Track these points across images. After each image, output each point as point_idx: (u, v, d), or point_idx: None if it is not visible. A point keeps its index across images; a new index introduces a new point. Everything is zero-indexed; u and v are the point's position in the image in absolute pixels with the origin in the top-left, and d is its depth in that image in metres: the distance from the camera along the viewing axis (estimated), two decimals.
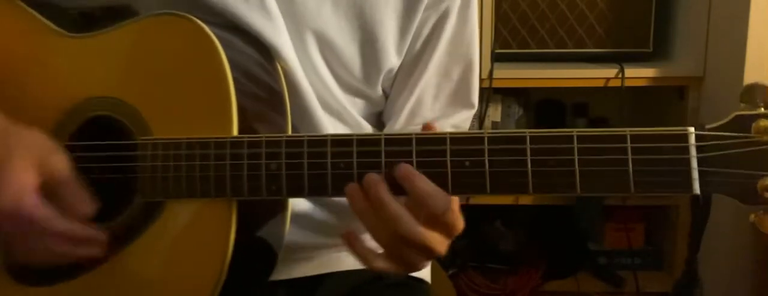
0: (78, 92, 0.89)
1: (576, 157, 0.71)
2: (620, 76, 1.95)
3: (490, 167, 0.73)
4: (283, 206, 0.86)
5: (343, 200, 0.77)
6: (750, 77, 1.72)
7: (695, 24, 1.95)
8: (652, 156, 0.70)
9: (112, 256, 0.85)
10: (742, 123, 0.68)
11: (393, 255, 0.78)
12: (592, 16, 2.01)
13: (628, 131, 0.70)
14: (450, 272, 2.14)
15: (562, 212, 2.22)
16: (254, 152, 0.79)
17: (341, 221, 0.97)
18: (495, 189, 0.73)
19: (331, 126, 0.96)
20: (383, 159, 0.76)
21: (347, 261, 1.02)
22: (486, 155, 0.73)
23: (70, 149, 0.86)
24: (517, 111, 2.19)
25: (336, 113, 0.99)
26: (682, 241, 2.07)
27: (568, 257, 2.21)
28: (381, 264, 0.79)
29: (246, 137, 0.79)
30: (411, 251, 0.77)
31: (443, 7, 0.98)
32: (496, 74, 1.97)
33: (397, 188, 0.75)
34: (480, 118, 2.07)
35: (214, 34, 0.82)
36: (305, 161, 0.78)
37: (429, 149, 0.75)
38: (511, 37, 2.03)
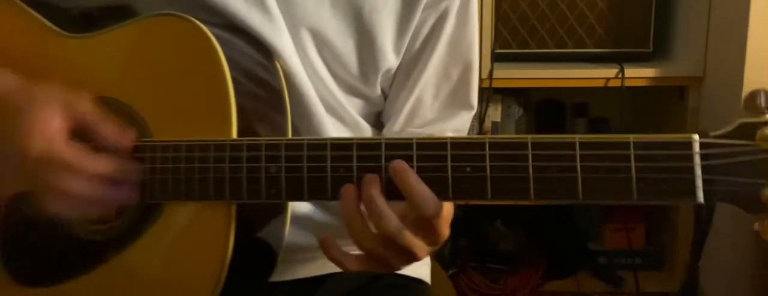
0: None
1: (578, 164, 0.71)
2: (620, 76, 1.95)
3: (491, 172, 0.73)
4: (283, 208, 0.86)
5: None
6: (750, 77, 1.72)
7: (695, 24, 1.94)
8: (656, 164, 0.69)
9: (111, 258, 0.85)
10: (747, 131, 0.67)
11: (371, 257, 0.78)
12: (592, 16, 2.01)
13: (631, 137, 0.70)
14: (450, 272, 2.14)
15: (562, 213, 2.22)
16: (254, 156, 0.79)
17: (341, 222, 0.97)
18: (496, 195, 0.73)
19: (330, 125, 0.96)
20: (383, 164, 0.76)
21: None
22: (487, 160, 0.73)
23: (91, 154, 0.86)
24: (517, 111, 2.19)
25: (335, 112, 0.99)
26: (682, 241, 2.08)
27: (568, 257, 2.21)
28: (356, 266, 0.80)
29: (245, 140, 0.79)
30: (390, 253, 0.77)
31: (442, 7, 0.98)
32: (496, 74, 1.97)
33: (391, 193, 0.75)
34: (480, 118, 2.07)
35: (214, 34, 0.82)
36: (305, 164, 0.78)
37: (429, 154, 0.75)
38: (511, 37, 2.02)
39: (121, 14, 0.89)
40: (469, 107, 1.06)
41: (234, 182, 0.79)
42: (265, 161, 0.79)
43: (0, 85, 0.82)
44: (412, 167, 0.75)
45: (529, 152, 0.72)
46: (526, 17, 2.02)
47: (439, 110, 1.04)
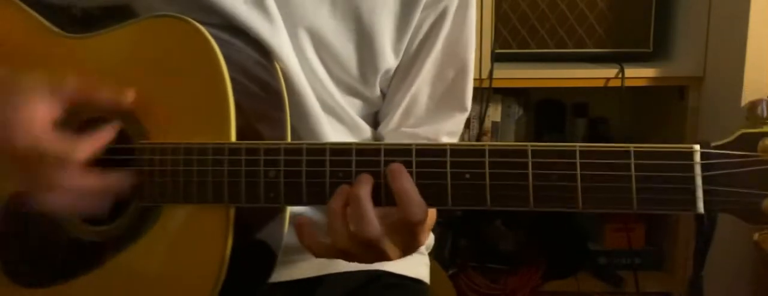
0: None
1: (578, 172, 0.71)
2: (620, 76, 1.95)
3: (490, 180, 0.73)
4: (282, 209, 0.86)
5: None
6: (750, 77, 1.72)
7: (695, 24, 1.94)
8: (657, 173, 0.69)
9: (110, 259, 0.85)
10: (748, 141, 0.67)
11: (341, 252, 0.79)
12: (592, 16, 2.00)
13: (632, 147, 0.70)
14: (450, 272, 2.14)
15: (562, 213, 2.21)
16: (252, 160, 0.79)
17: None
18: (495, 202, 0.73)
19: (328, 126, 0.96)
20: (382, 169, 0.76)
21: (346, 263, 1.02)
22: (486, 167, 0.73)
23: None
24: (517, 111, 2.18)
25: (334, 112, 0.99)
26: (682, 241, 2.08)
27: (568, 257, 2.20)
28: (324, 255, 0.81)
29: (244, 144, 0.79)
30: (362, 253, 0.78)
31: (441, 6, 0.98)
32: (496, 74, 1.97)
33: (388, 198, 0.76)
34: (480, 118, 2.07)
35: (212, 35, 0.82)
36: (303, 169, 0.78)
37: (429, 161, 0.75)
38: (511, 37, 2.02)
39: (120, 15, 0.89)
40: (463, 108, 1.06)
41: (232, 187, 0.80)
42: (264, 166, 0.79)
43: None
44: (411, 173, 0.75)
45: (529, 160, 0.72)
46: (526, 17, 2.01)
47: (434, 109, 1.04)
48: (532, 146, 0.72)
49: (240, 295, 0.86)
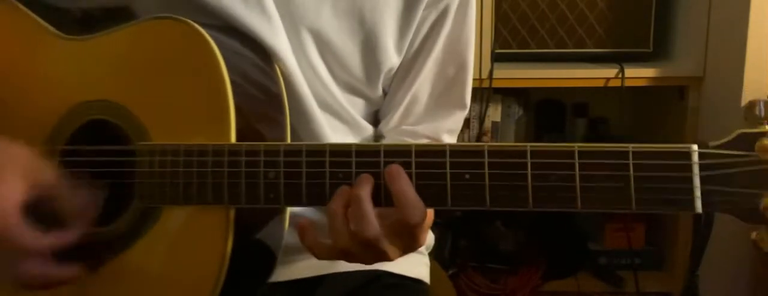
0: (74, 95, 0.89)
1: (577, 172, 0.71)
2: (620, 76, 1.95)
3: (489, 180, 0.73)
4: (281, 209, 0.86)
5: None
6: (750, 77, 1.72)
7: (695, 24, 1.94)
8: (655, 173, 0.69)
9: (110, 260, 0.86)
10: (746, 141, 0.67)
11: (342, 253, 0.79)
12: (592, 16, 2.00)
13: (630, 147, 0.70)
14: (450, 272, 2.14)
15: (562, 213, 2.21)
16: (252, 161, 0.79)
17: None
18: (495, 203, 0.73)
19: (327, 126, 0.97)
20: (382, 170, 0.76)
21: (346, 263, 1.02)
22: (486, 168, 0.73)
23: (67, 153, 0.86)
24: (517, 111, 2.18)
25: (334, 112, 0.99)
26: (682, 241, 2.07)
27: (568, 257, 2.20)
28: (325, 256, 0.81)
29: (244, 145, 0.79)
30: (362, 253, 0.78)
31: (442, 5, 0.99)
32: (496, 73, 1.97)
33: (387, 199, 0.76)
34: (480, 118, 2.07)
35: (212, 36, 0.82)
36: (303, 170, 0.78)
37: (428, 161, 0.75)
38: (511, 37, 2.02)
39: (120, 16, 0.89)
40: (463, 106, 1.07)
41: (232, 188, 0.80)
42: (264, 167, 0.79)
43: None
44: (411, 173, 0.75)
45: (529, 161, 0.72)
46: (526, 17, 2.01)
47: (434, 107, 1.05)
48: (531, 146, 0.72)
49: (240, 295, 0.86)
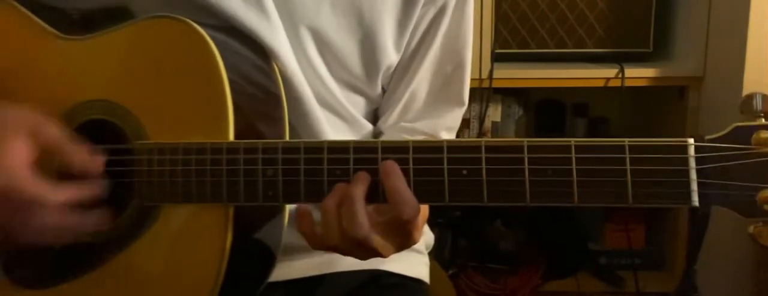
0: (73, 95, 0.89)
1: (574, 167, 0.71)
2: (620, 76, 1.95)
3: (487, 176, 0.73)
4: (280, 208, 0.86)
5: None
6: (750, 77, 1.72)
7: (695, 24, 1.94)
8: (651, 167, 0.69)
9: (110, 259, 0.86)
10: (742, 134, 0.67)
11: (334, 247, 0.79)
12: (592, 16, 2.00)
13: (626, 141, 0.70)
14: (450, 272, 2.14)
15: (562, 213, 2.22)
16: (251, 158, 0.79)
17: None
18: (492, 198, 0.73)
19: (327, 123, 0.97)
20: (379, 167, 0.76)
21: (346, 262, 1.02)
22: (483, 163, 0.73)
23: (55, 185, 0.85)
24: (517, 111, 2.19)
25: (334, 110, 0.99)
26: (682, 241, 2.07)
27: (568, 257, 2.20)
28: (318, 247, 0.81)
29: (242, 143, 0.79)
30: (353, 250, 0.79)
31: (441, 2, 0.99)
32: (496, 73, 1.97)
33: (380, 195, 0.76)
34: (480, 118, 2.07)
35: (210, 36, 0.82)
36: (302, 167, 0.78)
37: (426, 157, 0.75)
38: (511, 37, 2.02)
39: (118, 16, 0.89)
40: (461, 103, 1.07)
41: (231, 186, 0.80)
42: (262, 164, 0.79)
43: None
44: (408, 170, 0.75)
45: (526, 156, 0.72)
46: (526, 17, 2.01)
47: (432, 104, 1.05)
48: (528, 141, 0.72)
49: (240, 294, 0.86)
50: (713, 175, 0.68)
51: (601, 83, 1.97)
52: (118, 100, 0.86)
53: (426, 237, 1.14)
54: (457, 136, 1.19)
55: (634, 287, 2.10)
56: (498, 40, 2.02)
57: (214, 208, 0.81)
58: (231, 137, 0.80)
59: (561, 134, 2.31)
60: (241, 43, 0.87)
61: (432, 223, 1.11)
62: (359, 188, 0.75)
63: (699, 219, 0.69)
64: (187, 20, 0.83)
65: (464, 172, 0.74)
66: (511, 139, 0.66)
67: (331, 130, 0.97)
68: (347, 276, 1.04)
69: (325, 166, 0.77)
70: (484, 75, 1.97)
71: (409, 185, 0.75)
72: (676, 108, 2.03)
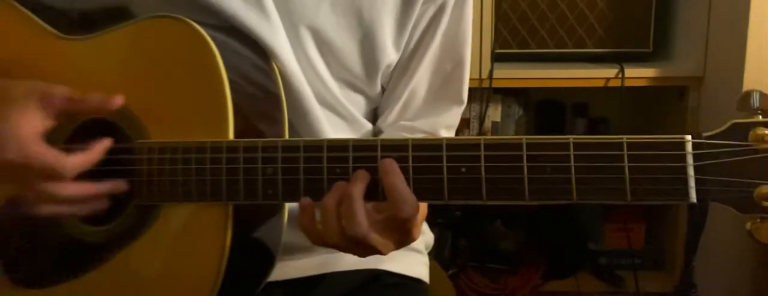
0: None
1: (572, 164, 0.71)
2: (620, 76, 1.95)
3: (486, 173, 0.73)
4: (280, 207, 0.86)
5: None
6: (750, 76, 1.72)
7: (695, 24, 1.94)
8: (649, 164, 0.70)
9: (110, 259, 0.86)
10: (739, 131, 0.68)
11: (333, 245, 0.80)
12: (592, 16, 2.00)
13: (624, 138, 0.70)
14: (450, 272, 2.14)
15: (562, 212, 2.22)
16: (250, 157, 0.79)
17: None
18: (491, 196, 0.73)
19: (327, 122, 0.97)
20: (379, 165, 0.76)
21: (345, 262, 1.03)
22: (482, 161, 0.73)
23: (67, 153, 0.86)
24: (517, 111, 2.18)
25: (333, 109, 0.99)
26: (682, 241, 2.07)
27: (568, 257, 2.20)
28: (317, 242, 0.81)
29: (242, 142, 0.80)
30: (352, 248, 0.79)
31: (440, 0, 0.99)
32: (496, 73, 1.97)
33: (380, 193, 0.76)
34: (480, 118, 2.07)
35: (210, 36, 0.82)
36: (301, 165, 0.78)
37: (425, 155, 0.75)
38: (511, 37, 2.02)
39: (118, 16, 0.90)
40: (460, 101, 1.07)
41: (231, 184, 0.80)
42: (262, 163, 0.79)
43: None
44: (408, 167, 0.75)
45: (524, 153, 0.72)
46: (526, 17, 2.01)
47: (432, 103, 1.05)
48: (526, 139, 0.72)
49: (240, 293, 0.86)
50: (711, 171, 0.68)
51: (601, 83, 1.97)
52: None
53: (426, 237, 1.14)
54: (457, 135, 1.19)
55: (634, 287, 2.10)
56: (498, 40, 2.01)
57: (214, 207, 0.81)
58: (231, 136, 0.80)
59: (561, 134, 2.31)
60: (241, 43, 0.88)
61: (432, 223, 1.11)
62: (358, 187, 0.76)
63: (697, 215, 0.69)
64: (188, 20, 0.83)
65: (463, 170, 0.74)
66: (509, 136, 0.67)
67: (331, 129, 0.97)
68: (347, 275, 1.04)
69: (325, 164, 0.77)
70: (484, 75, 1.97)
71: (408, 183, 0.76)
72: (676, 108, 2.03)
